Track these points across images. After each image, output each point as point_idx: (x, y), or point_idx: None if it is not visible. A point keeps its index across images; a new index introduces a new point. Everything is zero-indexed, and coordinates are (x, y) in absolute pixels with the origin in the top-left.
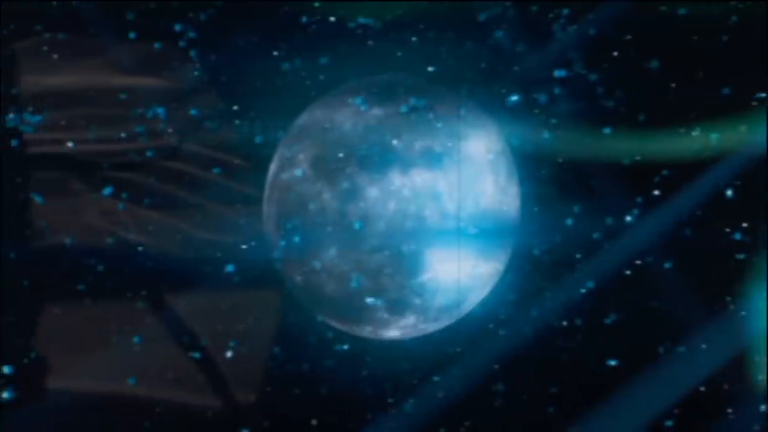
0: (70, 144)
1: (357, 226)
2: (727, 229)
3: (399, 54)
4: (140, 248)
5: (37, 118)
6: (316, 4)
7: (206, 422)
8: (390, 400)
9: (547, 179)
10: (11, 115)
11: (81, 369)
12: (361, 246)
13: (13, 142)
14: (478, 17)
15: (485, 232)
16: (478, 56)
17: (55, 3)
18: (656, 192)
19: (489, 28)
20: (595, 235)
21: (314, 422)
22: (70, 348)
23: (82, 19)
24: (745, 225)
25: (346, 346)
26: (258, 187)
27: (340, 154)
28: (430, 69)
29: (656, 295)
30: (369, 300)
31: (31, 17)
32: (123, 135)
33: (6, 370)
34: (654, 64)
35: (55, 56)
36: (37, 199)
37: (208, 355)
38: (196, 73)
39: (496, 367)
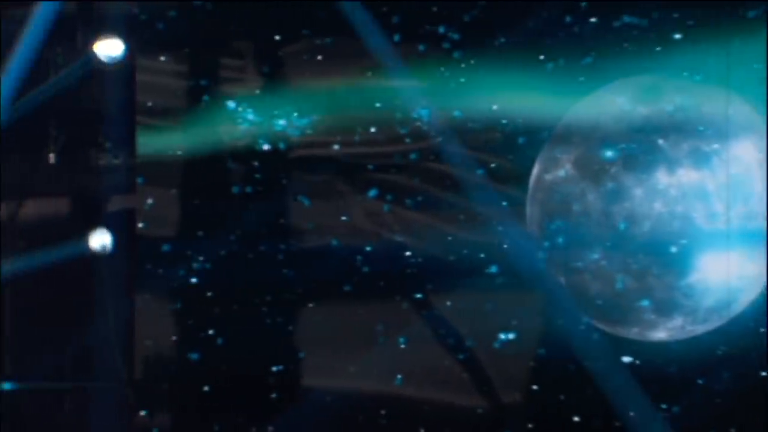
0: (336, 147)
1: (622, 226)
2: None
3: (665, 52)
4: (405, 249)
5: (304, 121)
6: (583, 4)
7: (472, 422)
8: (661, 405)
9: None
10: (280, 120)
11: (348, 369)
12: (627, 247)
13: (281, 145)
14: (747, 14)
15: (755, 233)
16: (747, 54)
17: (322, 7)
18: None
19: (758, 25)
20: None
21: (580, 423)
22: (337, 348)
23: (348, 23)
24: None
25: (612, 348)
26: (521, 188)
27: (607, 154)
28: (697, 66)
29: None
30: (644, 302)
31: (299, 22)
32: (387, 137)
33: (274, 369)
34: None
35: (321, 59)
36: (305, 201)
37: (474, 355)
38: (460, 76)
39: (765, 372)
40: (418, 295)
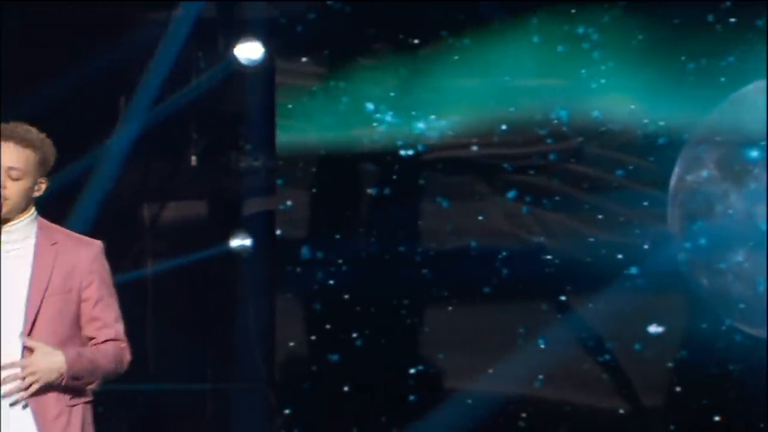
0: (474, 148)
1: (765, 227)
2: None
3: None
4: (544, 251)
5: (443, 122)
6: (727, 4)
7: (613, 424)
8: None
9: None
10: (418, 122)
11: (487, 371)
12: None
13: (419, 147)
14: None
15: None
16: None
17: (460, 8)
18: None
19: None
20: None
21: (722, 425)
22: (477, 350)
23: (486, 24)
24: None
25: (755, 351)
26: (662, 188)
27: (750, 154)
28: None
29: None
30: None
31: (437, 23)
32: (526, 138)
33: (413, 371)
34: None
35: (459, 60)
36: (443, 203)
37: (614, 357)
38: (599, 76)
39: None
40: (558, 297)
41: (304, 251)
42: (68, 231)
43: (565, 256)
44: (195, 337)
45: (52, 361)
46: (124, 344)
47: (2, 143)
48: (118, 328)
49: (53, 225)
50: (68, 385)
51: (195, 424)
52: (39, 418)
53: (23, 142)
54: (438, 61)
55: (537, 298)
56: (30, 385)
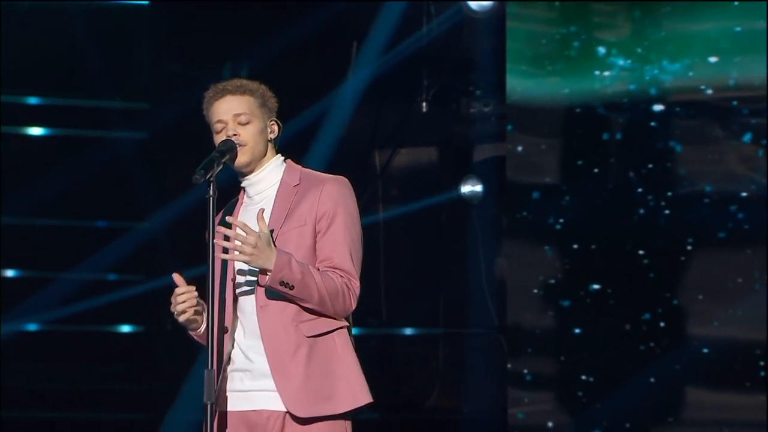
0: (709, 91)
1: None
2: None
3: None
4: None
5: (676, 66)
6: None
7: None
8: None
9: None
10: (651, 66)
11: (723, 317)
12: None
13: (652, 91)
14: None
15: None
16: None
17: None
18: None
19: None
20: None
21: None
22: (712, 295)
23: None
24: None
25: None
26: None
27: None
28: None
29: None
30: None
31: None
32: (763, 81)
33: (647, 317)
34: None
35: (691, 1)
36: (677, 147)
37: None
38: None
39: None
40: None
41: (535, 196)
42: (314, 172)
43: None
44: (427, 282)
45: (267, 252)
46: (349, 283)
47: (220, 100)
48: (346, 265)
49: (300, 168)
50: (278, 291)
51: (428, 367)
52: (273, 354)
53: (238, 90)
54: (672, 4)
55: None
56: (240, 252)
